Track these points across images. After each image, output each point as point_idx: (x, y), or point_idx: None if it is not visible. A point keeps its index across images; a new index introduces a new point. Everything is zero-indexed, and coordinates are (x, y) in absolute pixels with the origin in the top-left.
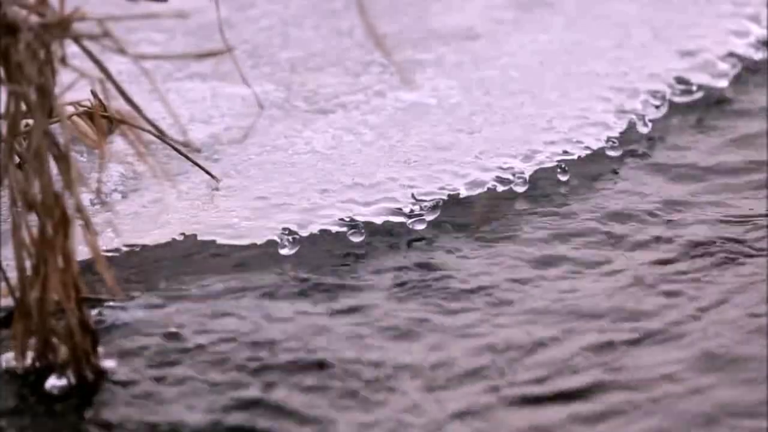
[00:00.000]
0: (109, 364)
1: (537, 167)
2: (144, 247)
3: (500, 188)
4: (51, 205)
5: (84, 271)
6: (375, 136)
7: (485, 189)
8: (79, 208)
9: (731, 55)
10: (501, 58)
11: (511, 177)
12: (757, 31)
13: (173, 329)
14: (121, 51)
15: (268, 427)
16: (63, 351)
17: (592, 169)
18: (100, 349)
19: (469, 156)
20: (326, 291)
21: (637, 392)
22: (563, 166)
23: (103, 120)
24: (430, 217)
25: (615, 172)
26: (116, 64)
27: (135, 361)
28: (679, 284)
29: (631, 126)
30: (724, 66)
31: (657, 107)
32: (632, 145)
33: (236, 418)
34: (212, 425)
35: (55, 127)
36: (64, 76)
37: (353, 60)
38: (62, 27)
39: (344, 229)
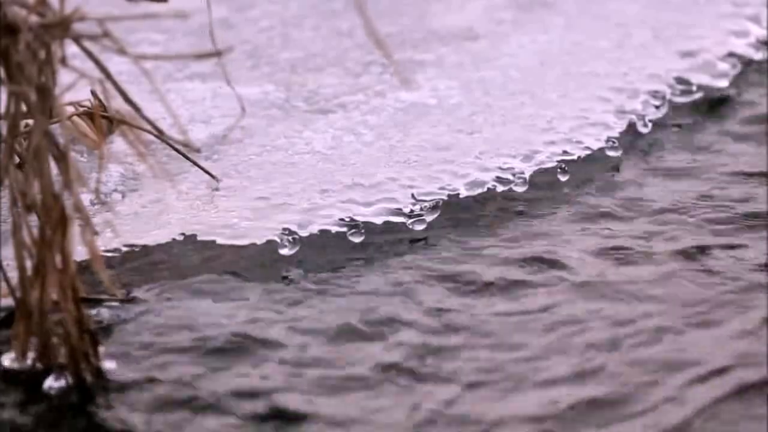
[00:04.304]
0: (108, 364)
1: (537, 167)
2: (144, 247)
3: (500, 188)
4: (50, 205)
5: (84, 271)
6: (375, 137)
7: (485, 189)
8: (79, 208)
9: (731, 55)
10: (501, 58)
11: (511, 177)
12: (757, 31)
13: (173, 330)
14: (121, 51)
15: (269, 423)
16: (63, 351)
17: (592, 169)
18: (100, 350)
19: (469, 156)
20: (325, 292)
21: None
22: (563, 166)
23: (103, 120)
24: (430, 217)
25: (615, 173)
26: (116, 64)
27: (135, 361)
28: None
29: (631, 126)
30: (724, 66)
31: (657, 107)
32: (632, 145)
33: (235, 418)
34: (212, 425)
35: (55, 128)
36: (64, 76)
37: (353, 60)
38: (62, 27)
39: (344, 229)
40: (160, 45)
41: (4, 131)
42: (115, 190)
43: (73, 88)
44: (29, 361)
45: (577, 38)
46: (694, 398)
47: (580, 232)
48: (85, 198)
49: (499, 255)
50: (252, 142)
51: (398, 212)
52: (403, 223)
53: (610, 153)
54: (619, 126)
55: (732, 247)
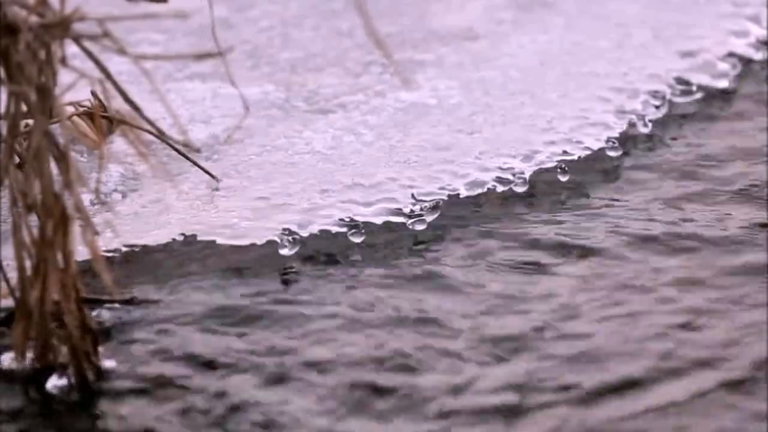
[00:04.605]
0: (109, 364)
1: (537, 167)
2: (144, 247)
3: (500, 188)
4: (51, 205)
5: (85, 271)
6: (375, 137)
7: (485, 189)
8: (79, 208)
9: (731, 55)
10: (501, 58)
11: (511, 177)
12: (757, 31)
13: (173, 330)
14: (121, 51)
15: (263, 422)
16: (63, 351)
17: (592, 169)
18: (101, 349)
19: (469, 156)
20: (325, 292)
21: None
22: (563, 166)
23: (103, 120)
24: (430, 217)
25: (615, 173)
26: (116, 64)
27: (135, 361)
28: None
29: (631, 126)
30: (724, 66)
31: (657, 107)
32: (632, 145)
33: (235, 417)
34: (211, 424)
35: (55, 128)
36: (64, 76)
37: (353, 60)
38: (62, 27)
39: (344, 229)
40: (160, 45)
41: (4, 131)
42: (115, 190)
43: (73, 88)
44: (28, 361)
45: (577, 38)
46: None
47: (581, 233)
48: (85, 198)
49: (499, 255)
50: (252, 142)
51: (398, 212)
52: (403, 223)
53: (610, 153)
54: (619, 126)
55: (731, 246)
